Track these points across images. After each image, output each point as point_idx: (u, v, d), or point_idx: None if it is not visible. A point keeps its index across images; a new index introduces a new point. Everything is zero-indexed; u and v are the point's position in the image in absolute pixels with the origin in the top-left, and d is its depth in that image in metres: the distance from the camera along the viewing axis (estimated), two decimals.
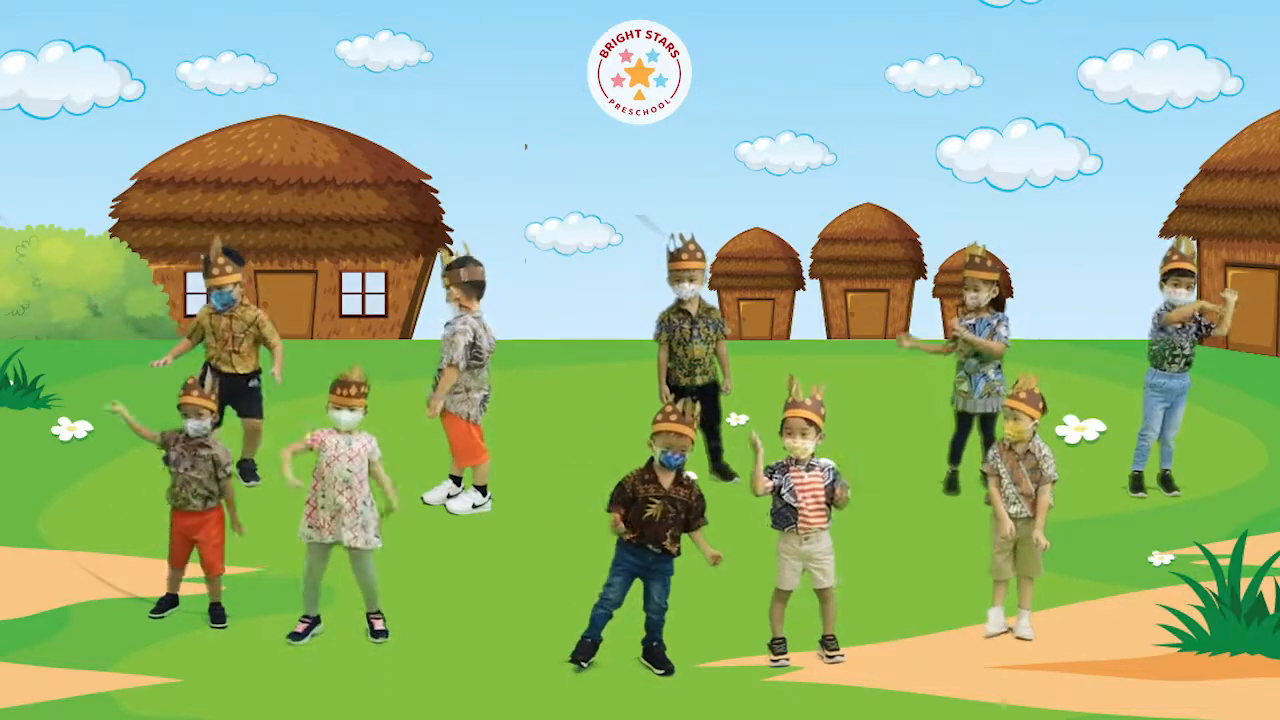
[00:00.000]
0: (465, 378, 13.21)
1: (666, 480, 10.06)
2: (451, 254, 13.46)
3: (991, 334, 13.87)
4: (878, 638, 10.67)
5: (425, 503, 13.52)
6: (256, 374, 14.18)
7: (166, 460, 10.92)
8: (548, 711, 9.55)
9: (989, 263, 13.93)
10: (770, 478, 10.10)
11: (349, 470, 10.49)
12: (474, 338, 13.17)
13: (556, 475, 14.45)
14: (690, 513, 10.10)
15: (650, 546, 10.07)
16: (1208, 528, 12.65)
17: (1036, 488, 10.68)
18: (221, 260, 13.96)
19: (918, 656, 10.43)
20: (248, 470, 14.11)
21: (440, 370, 13.20)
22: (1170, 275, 13.82)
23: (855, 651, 10.36)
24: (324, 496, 10.50)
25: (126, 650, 10.34)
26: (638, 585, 10.21)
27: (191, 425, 10.87)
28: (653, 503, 10.02)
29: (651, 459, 10.08)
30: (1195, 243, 23.71)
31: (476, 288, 13.32)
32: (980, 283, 13.92)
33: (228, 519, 10.97)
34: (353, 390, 10.54)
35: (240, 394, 13.95)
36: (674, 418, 10.00)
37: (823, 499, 10.11)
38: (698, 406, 10.20)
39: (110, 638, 10.57)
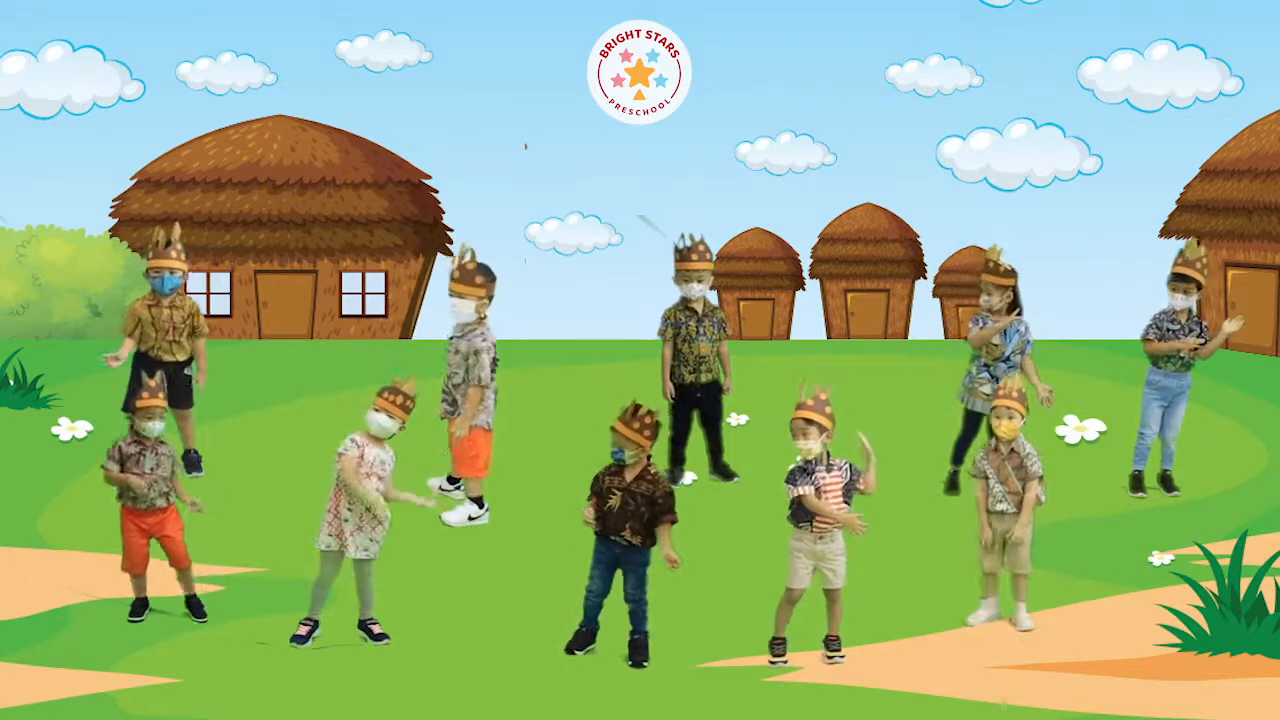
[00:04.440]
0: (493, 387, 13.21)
1: (629, 474, 10.22)
2: (467, 257, 13.18)
3: (1022, 341, 13.88)
4: (878, 638, 10.67)
5: (432, 490, 13.50)
6: (189, 363, 14.19)
7: (124, 469, 10.88)
8: (547, 712, 9.55)
9: (1002, 268, 13.90)
10: (799, 484, 10.07)
11: (377, 490, 10.48)
12: (495, 352, 13.17)
13: (556, 475, 14.43)
14: (654, 507, 10.20)
15: (614, 538, 10.21)
16: (1208, 528, 12.65)
17: (1024, 485, 10.73)
18: (180, 246, 14.10)
19: (918, 656, 10.43)
20: (193, 462, 14.15)
21: (461, 388, 13.11)
22: (1170, 279, 13.84)
23: (855, 651, 10.36)
24: (349, 509, 10.46)
25: (126, 650, 10.34)
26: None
27: (156, 427, 10.93)
28: (613, 494, 10.21)
29: None
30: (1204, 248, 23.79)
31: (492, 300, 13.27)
32: (991, 286, 13.93)
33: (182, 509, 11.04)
34: (398, 399, 10.53)
35: (174, 383, 13.95)
36: (622, 416, 10.23)
37: (842, 499, 10.13)
38: (650, 410, 10.29)
39: (110, 638, 10.57)
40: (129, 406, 14.01)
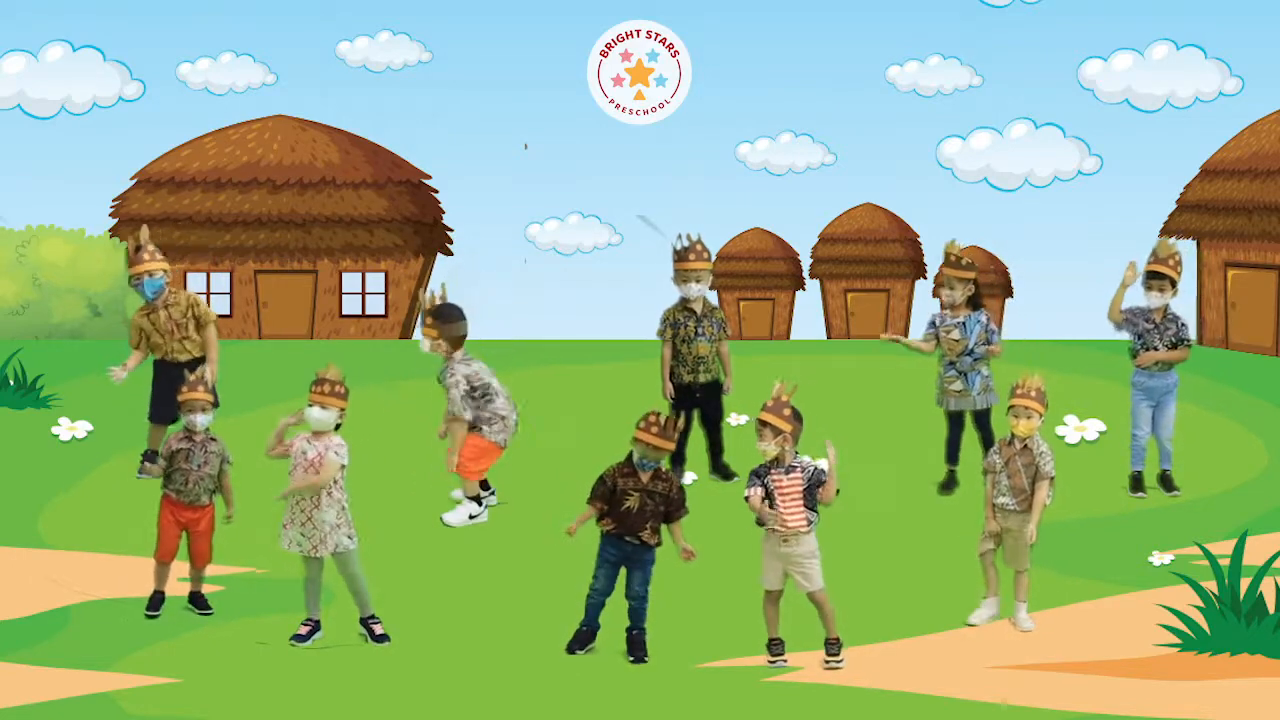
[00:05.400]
0: (489, 410, 13.22)
1: (645, 475, 10.28)
2: (433, 298, 13.44)
3: (985, 332, 13.93)
4: (878, 638, 10.66)
5: (452, 499, 13.53)
6: (203, 360, 14.13)
7: (174, 462, 10.91)
8: (547, 712, 9.55)
9: (964, 261, 13.99)
10: (754, 485, 10.10)
11: (303, 480, 10.43)
12: (468, 385, 13.18)
13: (556, 474, 14.43)
14: (670, 504, 10.30)
15: (628, 538, 10.25)
16: (1208, 528, 12.65)
17: (1032, 483, 10.73)
18: (151, 247, 13.95)
19: (918, 656, 10.43)
20: None
21: (449, 421, 13.24)
22: (1144, 277, 13.87)
23: (855, 652, 10.35)
24: (289, 503, 10.47)
25: (126, 650, 10.34)
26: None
27: (200, 420, 10.95)
28: (630, 495, 10.24)
29: (631, 453, 10.28)
30: (1193, 243, 23.80)
31: (460, 341, 13.32)
32: (955, 281, 14.00)
33: (219, 508, 11.08)
34: (325, 388, 10.45)
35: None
36: (654, 430, 10.25)
37: (802, 502, 10.09)
38: (681, 420, 10.42)
39: (110, 638, 10.57)
40: (154, 415, 14.03)
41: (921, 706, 9.62)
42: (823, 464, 10.15)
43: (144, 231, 14.09)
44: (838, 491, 10.11)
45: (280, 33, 23.61)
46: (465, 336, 13.33)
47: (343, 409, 10.49)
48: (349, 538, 10.50)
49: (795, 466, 10.08)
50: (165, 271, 13.95)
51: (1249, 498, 14.06)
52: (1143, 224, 23.40)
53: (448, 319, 13.31)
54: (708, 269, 14.27)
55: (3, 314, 22.63)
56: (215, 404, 11.15)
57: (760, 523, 10.14)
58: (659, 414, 10.28)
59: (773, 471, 10.07)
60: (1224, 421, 16.86)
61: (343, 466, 10.44)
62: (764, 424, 10.06)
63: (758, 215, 26.04)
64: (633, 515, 10.24)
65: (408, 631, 10.70)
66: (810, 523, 10.09)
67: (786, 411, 10.06)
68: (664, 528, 10.39)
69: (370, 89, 23.44)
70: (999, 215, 23.48)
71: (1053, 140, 23.23)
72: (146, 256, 13.90)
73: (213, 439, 11.01)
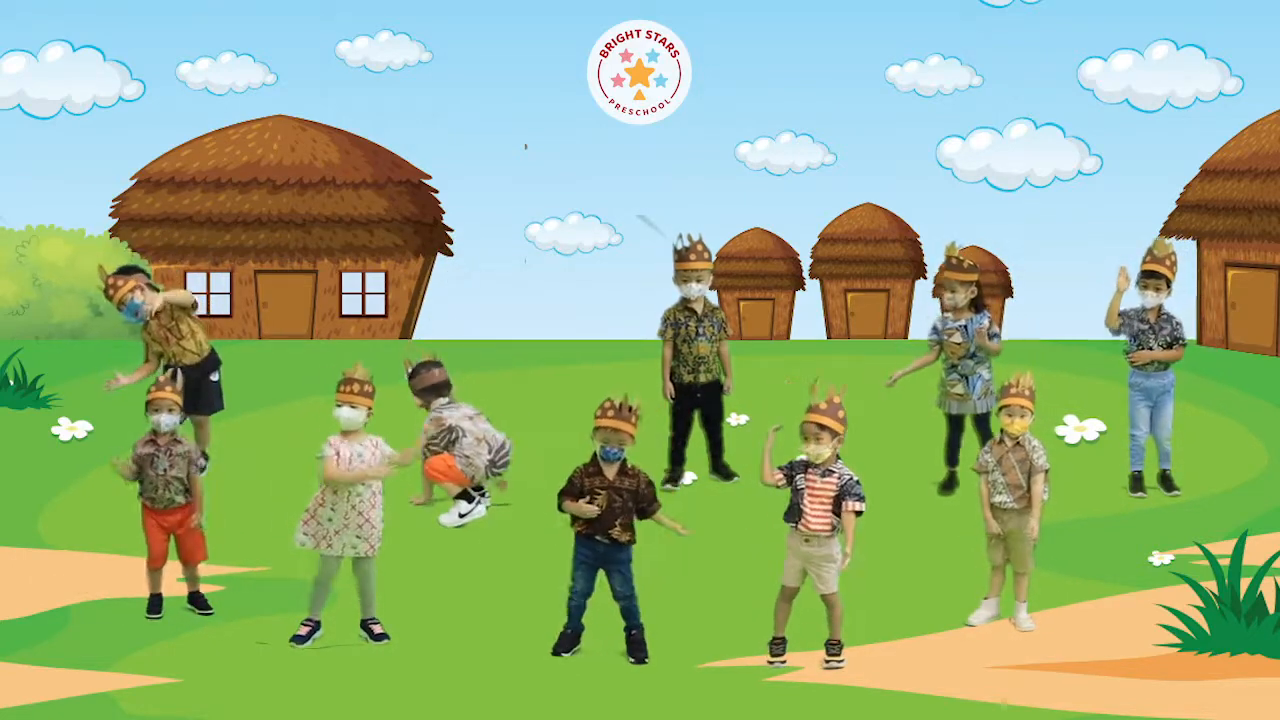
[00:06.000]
0: (456, 450, 13.40)
1: (610, 472, 10.20)
2: (407, 363, 13.86)
3: (988, 335, 13.92)
4: (878, 638, 10.66)
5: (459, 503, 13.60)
6: (217, 365, 14.24)
7: (142, 468, 10.89)
8: (547, 713, 9.55)
9: (965, 263, 13.98)
10: (786, 469, 10.05)
11: (361, 486, 10.44)
12: (434, 431, 13.39)
13: (555, 474, 14.43)
14: (640, 500, 10.22)
15: (599, 537, 10.20)
16: (1208, 528, 12.65)
17: (1028, 478, 10.71)
18: (109, 279, 14.16)
19: (918, 656, 10.43)
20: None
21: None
22: (1140, 277, 13.86)
23: (855, 652, 10.36)
24: (333, 510, 10.43)
25: (126, 650, 10.34)
26: None
27: (165, 420, 10.87)
28: (597, 494, 10.18)
29: (595, 453, 10.23)
30: (1193, 243, 23.82)
31: (432, 390, 13.65)
32: (957, 284, 13.98)
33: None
34: (354, 387, 10.47)
35: (200, 389, 13.96)
36: (611, 413, 10.19)
37: (830, 506, 10.05)
38: (639, 404, 10.32)
39: (110, 638, 10.57)
40: None
41: (921, 706, 9.62)
42: (851, 473, 10.09)
43: (102, 270, 14.30)
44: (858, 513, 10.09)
45: (280, 33, 23.67)
46: (439, 384, 13.67)
47: (370, 408, 10.51)
48: (379, 539, 10.55)
49: (833, 471, 10.04)
50: (136, 289, 14.07)
51: (1249, 498, 14.06)
52: (1143, 224, 23.47)
53: (411, 377, 13.75)
54: (708, 269, 14.27)
55: (3, 314, 22.65)
56: (185, 409, 11.13)
57: (787, 519, 10.04)
58: (613, 399, 10.23)
59: (810, 471, 10.02)
60: (1224, 421, 16.87)
61: None
62: (821, 428, 9.94)
63: (758, 215, 26.12)
64: (600, 513, 10.19)
65: (407, 631, 10.70)
66: (834, 528, 10.06)
67: (841, 414, 10.00)
68: (646, 522, 10.32)
69: (370, 89, 23.50)
70: (999, 215, 23.54)
71: (1053, 140, 23.26)
72: (112, 291, 14.07)
73: (177, 441, 10.94)
